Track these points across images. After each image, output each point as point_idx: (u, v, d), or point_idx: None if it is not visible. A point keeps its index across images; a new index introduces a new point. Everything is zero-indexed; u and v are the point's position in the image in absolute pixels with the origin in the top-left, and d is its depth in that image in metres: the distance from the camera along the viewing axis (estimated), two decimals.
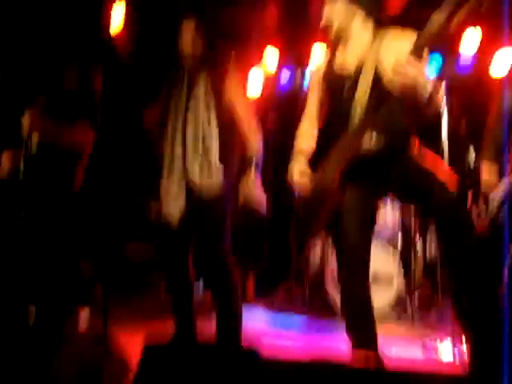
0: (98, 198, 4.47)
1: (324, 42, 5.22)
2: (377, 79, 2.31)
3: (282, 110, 5.62)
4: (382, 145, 2.29)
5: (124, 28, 4.77)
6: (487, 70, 4.99)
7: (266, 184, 5.26)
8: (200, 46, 2.94)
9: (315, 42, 5.32)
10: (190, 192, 2.83)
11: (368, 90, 2.32)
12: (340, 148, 2.36)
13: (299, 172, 2.55)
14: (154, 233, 3.09)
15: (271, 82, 5.84)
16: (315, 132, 2.66)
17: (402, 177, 2.34)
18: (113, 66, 4.80)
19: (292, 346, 3.52)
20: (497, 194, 2.66)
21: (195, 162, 2.83)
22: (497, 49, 4.84)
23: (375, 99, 2.26)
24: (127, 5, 4.75)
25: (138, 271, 5.23)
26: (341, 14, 2.42)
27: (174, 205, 2.86)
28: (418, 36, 2.05)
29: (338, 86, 2.45)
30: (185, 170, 2.84)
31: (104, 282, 4.56)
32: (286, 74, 5.86)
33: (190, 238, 2.98)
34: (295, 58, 5.75)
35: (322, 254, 4.76)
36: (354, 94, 2.35)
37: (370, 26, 2.45)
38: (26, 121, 3.32)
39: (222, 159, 2.87)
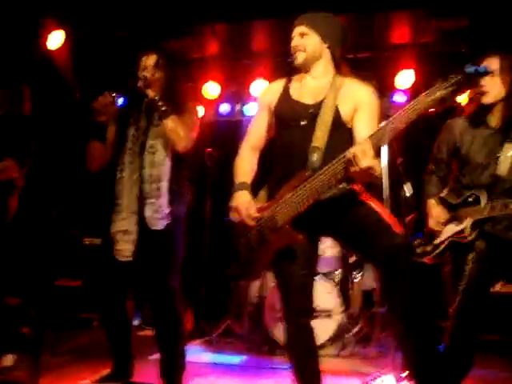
0: (31, 229, 4.28)
1: (264, 78, 5.32)
2: (334, 121, 2.33)
3: (219, 144, 5.60)
4: (336, 190, 2.28)
5: (65, 53, 4.67)
6: None
7: (206, 220, 5.31)
8: (160, 83, 2.91)
9: (255, 77, 5.39)
10: (142, 229, 2.83)
11: (327, 131, 2.31)
12: (300, 190, 2.27)
13: (244, 204, 2.41)
14: (92, 269, 3.00)
15: (210, 114, 5.85)
16: (255, 163, 2.60)
17: (347, 218, 2.31)
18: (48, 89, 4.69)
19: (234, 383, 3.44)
20: (441, 237, 2.72)
21: (149, 199, 2.84)
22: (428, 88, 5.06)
23: (334, 145, 2.27)
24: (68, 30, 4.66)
25: (69, 307, 5.01)
26: (311, 48, 2.43)
27: (126, 241, 2.84)
28: (382, 127, 2.07)
29: (291, 118, 2.42)
30: (139, 207, 2.84)
31: (34, 319, 4.32)
32: (225, 108, 5.88)
33: (132, 274, 2.93)
34: (234, 92, 5.79)
35: (261, 287, 4.73)
36: (311, 132, 2.33)
37: (332, 65, 2.48)
38: None
39: (174, 197, 2.90)
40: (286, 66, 2.64)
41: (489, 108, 2.63)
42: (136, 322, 5.18)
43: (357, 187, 2.37)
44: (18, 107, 3.55)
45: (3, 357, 3.29)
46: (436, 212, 2.72)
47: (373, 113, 2.37)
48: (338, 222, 2.33)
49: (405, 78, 5.23)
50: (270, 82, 5.10)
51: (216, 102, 5.87)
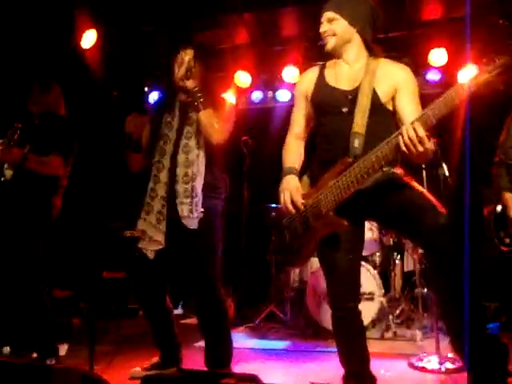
0: (75, 226, 4.40)
1: (295, 64, 5.30)
2: (373, 104, 2.33)
3: (254, 131, 5.63)
4: (379, 174, 2.28)
5: (98, 53, 4.74)
6: (454, 83, 5.10)
7: (243, 208, 5.36)
8: (197, 77, 2.93)
9: (286, 64, 5.37)
10: (178, 224, 2.87)
11: (366, 116, 2.31)
12: (343, 177, 2.28)
13: (294, 188, 2.43)
14: (129, 263, 3.08)
15: (243, 102, 5.88)
16: (302, 151, 2.62)
17: (389, 204, 2.31)
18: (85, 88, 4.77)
19: (280, 367, 3.49)
20: None
21: (184, 198, 2.89)
22: (462, 65, 4.95)
23: (375, 129, 2.28)
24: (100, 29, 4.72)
25: (117, 298, 5.16)
26: (340, 34, 2.43)
27: (153, 239, 2.91)
28: (435, 106, 2.05)
29: (330, 104, 2.43)
30: (172, 205, 2.89)
31: (84, 311, 4.47)
32: (257, 96, 5.89)
33: (167, 268, 3.02)
34: (266, 80, 5.79)
35: (301, 272, 4.77)
36: (351, 118, 2.33)
37: (364, 50, 2.47)
38: None
39: (209, 192, 2.95)
40: (319, 51, 2.63)
41: None
42: (179, 311, 5.30)
43: (399, 170, 2.37)
44: (56, 107, 3.61)
45: (59, 347, 3.41)
46: None
47: (414, 91, 2.38)
48: (383, 205, 2.33)
49: (438, 56, 5.12)
50: (300, 68, 5.19)
51: (248, 90, 5.88)
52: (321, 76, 2.51)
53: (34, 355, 3.34)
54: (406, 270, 4.89)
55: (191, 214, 2.88)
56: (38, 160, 3.33)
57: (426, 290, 4.49)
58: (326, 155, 2.43)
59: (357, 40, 2.46)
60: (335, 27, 2.43)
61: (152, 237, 2.92)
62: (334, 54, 2.49)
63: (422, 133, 2.02)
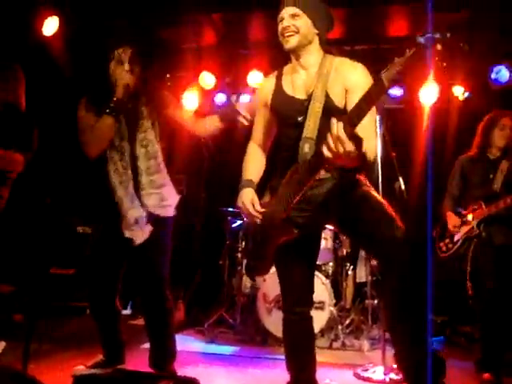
0: (25, 217, 4.26)
1: (260, 70, 5.30)
2: (326, 109, 2.27)
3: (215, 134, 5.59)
4: (330, 180, 2.28)
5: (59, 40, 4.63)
6: (415, 100, 5.20)
7: (199, 210, 5.31)
8: (137, 73, 2.89)
9: (251, 68, 5.36)
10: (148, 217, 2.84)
11: (317, 121, 2.27)
12: (289, 186, 2.27)
13: (249, 201, 2.41)
14: (84, 261, 3.01)
15: (206, 104, 5.82)
16: (263, 160, 2.61)
17: (351, 208, 2.29)
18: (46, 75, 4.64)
19: (225, 372, 3.45)
20: (459, 235, 3.56)
21: (151, 193, 2.86)
22: (423, 80, 5.05)
23: (326, 132, 2.18)
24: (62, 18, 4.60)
25: (61, 294, 5.01)
26: (304, 32, 2.32)
27: (139, 228, 2.84)
28: (356, 105, 1.96)
29: (286, 112, 2.39)
30: (138, 199, 2.84)
31: (27, 307, 4.32)
32: (221, 98, 5.85)
33: (121, 266, 2.97)
34: (230, 83, 5.75)
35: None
36: (303, 122, 2.30)
37: (321, 52, 2.39)
38: None
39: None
40: (285, 58, 2.55)
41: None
42: (128, 311, 5.20)
43: (361, 177, 2.37)
44: (16, 96, 3.49)
45: None
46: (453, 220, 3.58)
47: (370, 114, 2.21)
48: (342, 209, 2.31)
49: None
50: (265, 73, 5.17)
51: (212, 92, 5.83)
52: (278, 83, 2.45)
53: None
54: (358, 280, 4.93)
55: (162, 202, 2.88)
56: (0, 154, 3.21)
57: (376, 301, 4.54)
58: (282, 164, 2.40)
59: (316, 43, 2.37)
60: (299, 24, 2.30)
61: (136, 227, 2.84)
62: (293, 55, 2.38)
63: (340, 132, 1.90)
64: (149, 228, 2.84)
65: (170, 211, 2.92)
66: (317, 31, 2.35)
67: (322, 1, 2.42)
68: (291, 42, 2.32)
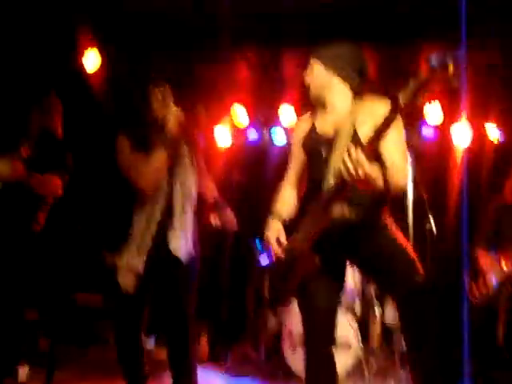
0: (56, 244, 4.32)
1: (292, 103, 5.33)
2: (354, 144, 2.26)
3: (248, 166, 5.63)
4: (352, 215, 2.26)
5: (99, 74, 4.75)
6: (448, 140, 5.14)
7: (224, 246, 5.30)
8: (176, 111, 2.89)
9: (283, 102, 5.40)
10: (166, 254, 2.83)
11: (342, 158, 2.24)
12: (311, 217, 2.30)
13: (275, 232, 2.46)
14: (109, 291, 3.02)
15: (238, 139, 5.88)
16: (295, 199, 2.61)
17: (371, 247, 2.29)
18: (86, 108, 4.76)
19: None
20: (493, 277, 3.42)
21: (178, 234, 2.85)
22: (456, 119, 5.00)
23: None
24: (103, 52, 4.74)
25: (86, 322, 5.02)
26: (318, 79, 2.43)
27: (130, 275, 2.83)
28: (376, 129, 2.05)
29: (315, 151, 2.42)
30: (162, 235, 2.84)
31: (50, 333, 4.34)
32: (252, 133, 5.90)
33: (147, 300, 2.98)
34: (262, 117, 5.80)
35: (280, 314, 4.68)
36: (329, 158, 2.32)
37: (347, 92, 2.44)
38: (5, 167, 3.25)
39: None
40: None
41: None
42: (151, 344, 5.17)
43: (386, 216, 2.35)
44: (54, 126, 3.60)
45: (19, 369, 3.30)
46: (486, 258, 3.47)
47: (398, 142, 2.30)
48: (362, 250, 2.31)
49: (434, 111, 5.16)
50: (296, 108, 5.21)
51: (244, 128, 5.89)
52: (311, 124, 2.51)
53: None
54: (386, 322, 4.80)
55: (184, 243, 2.87)
56: (40, 179, 3.33)
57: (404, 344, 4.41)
58: (310, 199, 2.42)
59: (337, 85, 2.43)
60: (312, 74, 2.45)
61: (128, 273, 2.85)
62: (316, 102, 2.49)
63: (359, 154, 1.98)
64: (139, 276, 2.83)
65: (194, 251, 2.92)
66: (335, 74, 2.41)
67: (349, 44, 2.48)
68: (310, 95, 2.48)
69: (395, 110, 1.97)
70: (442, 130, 5.19)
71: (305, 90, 2.49)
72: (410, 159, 3.44)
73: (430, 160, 4.91)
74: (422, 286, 2.15)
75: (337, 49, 2.45)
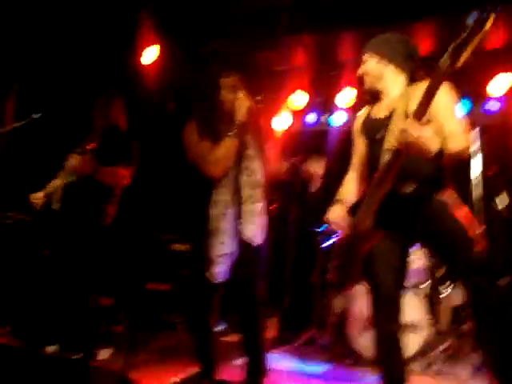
0: (126, 235, 4.50)
1: (353, 87, 5.29)
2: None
3: (304, 154, 5.63)
4: (410, 188, 2.31)
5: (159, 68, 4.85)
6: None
7: (290, 231, 5.34)
8: (244, 99, 2.91)
9: (343, 87, 5.37)
10: (238, 241, 2.90)
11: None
12: (369, 194, 2.41)
13: (338, 215, 2.58)
14: (180, 277, 3.11)
15: (297, 123, 5.90)
16: (357, 183, 2.72)
17: (428, 222, 2.32)
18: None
19: None
20: None
21: (249, 222, 2.91)
22: None
23: None
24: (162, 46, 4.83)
25: (156, 310, 5.20)
26: (374, 72, 2.54)
27: (224, 264, 2.89)
28: (422, 97, 2.12)
29: (372, 135, 2.52)
30: (234, 222, 2.89)
31: (126, 320, 4.53)
32: (312, 117, 5.90)
33: (216, 288, 3.02)
34: (322, 102, 5.79)
35: (345, 298, 4.68)
36: (383, 138, 2.40)
37: (401, 78, 2.54)
38: (76, 162, 3.42)
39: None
40: None
41: None
42: (222, 328, 5.29)
43: (444, 192, 2.36)
44: (118, 120, 3.74)
45: (101, 350, 3.48)
46: None
47: (449, 109, 2.33)
48: (420, 225, 2.35)
49: (498, 84, 4.97)
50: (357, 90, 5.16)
51: (302, 112, 5.90)
52: (368, 113, 2.65)
53: (78, 356, 3.41)
54: (454, 302, 4.71)
55: (258, 232, 2.94)
56: (107, 171, 3.49)
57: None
58: (368, 179, 2.52)
59: (391, 72, 2.53)
60: (367, 67, 2.57)
61: (223, 262, 2.91)
62: (373, 92, 2.59)
63: (408, 121, 2.09)
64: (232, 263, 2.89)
65: (263, 238, 2.99)
66: (388, 62, 2.51)
67: (395, 35, 2.58)
68: (365, 85, 2.60)
69: (437, 75, 2.03)
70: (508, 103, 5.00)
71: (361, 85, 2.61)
72: (475, 132, 3.36)
73: (497, 133, 4.74)
74: (478, 266, 2.15)
75: (386, 39, 2.56)
